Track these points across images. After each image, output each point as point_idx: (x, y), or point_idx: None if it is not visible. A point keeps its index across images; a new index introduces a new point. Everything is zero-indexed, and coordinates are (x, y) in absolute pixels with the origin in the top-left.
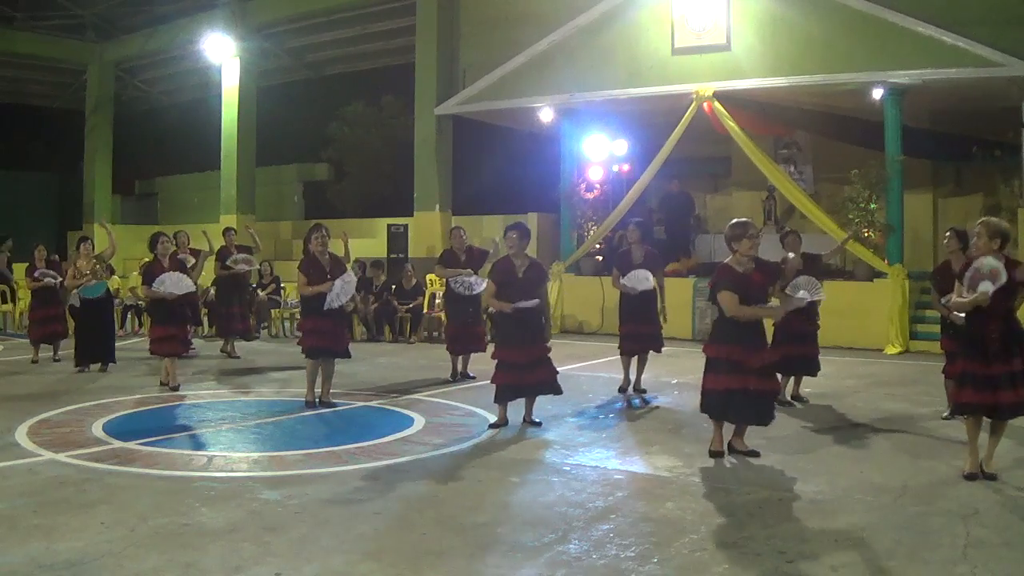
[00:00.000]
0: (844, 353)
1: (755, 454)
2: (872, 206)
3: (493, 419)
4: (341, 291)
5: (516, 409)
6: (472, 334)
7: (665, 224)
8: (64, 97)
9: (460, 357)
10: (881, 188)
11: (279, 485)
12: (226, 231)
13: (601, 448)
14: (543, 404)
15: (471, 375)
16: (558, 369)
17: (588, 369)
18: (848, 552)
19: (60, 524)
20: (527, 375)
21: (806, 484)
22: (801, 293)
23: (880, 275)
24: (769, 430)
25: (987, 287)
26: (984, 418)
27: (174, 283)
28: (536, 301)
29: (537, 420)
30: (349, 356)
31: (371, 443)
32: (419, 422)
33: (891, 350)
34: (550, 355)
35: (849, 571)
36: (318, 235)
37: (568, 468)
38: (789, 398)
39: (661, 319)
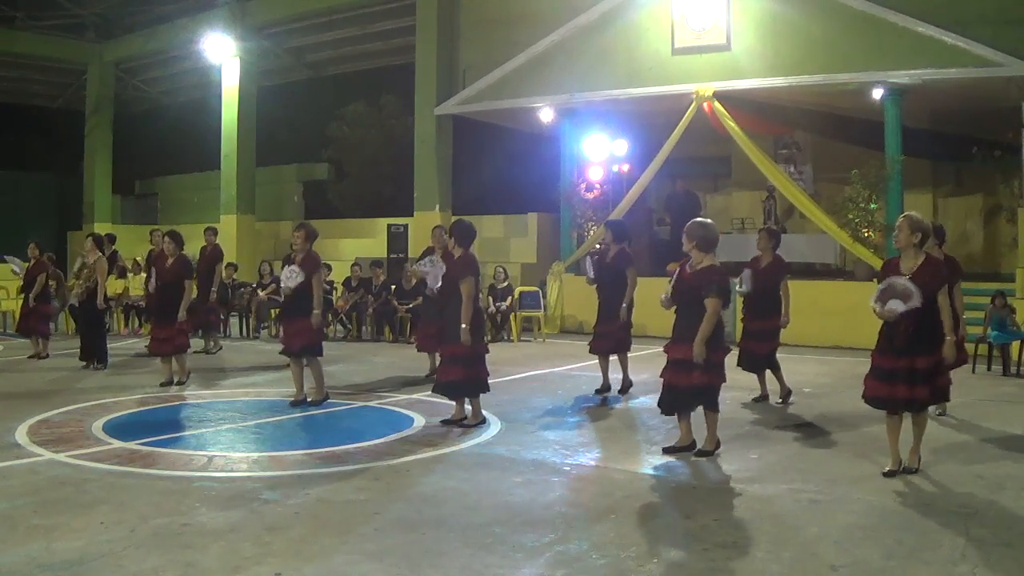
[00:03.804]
0: (843, 353)
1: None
2: (872, 206)
3: (493, 419)
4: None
5: (515, 408)
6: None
7: (671, 224)
8: (64, 97)
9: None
10: (881, 188)
11: (279, 485)
12: (206, 230)
13: (601, 448)
14: (543, 404)
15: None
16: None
17: (588, 369)
18: (848, 552)
19: (60, 524)
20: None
21: (806, 484)
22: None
23: None
24: (769, 430)
25: (896, 306)
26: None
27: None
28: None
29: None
30: (295, 354)
31: (371, 443)
32: (419, 422)
33: None
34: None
35: (849, 571)
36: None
37: (568, 468)
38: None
39: (621, 317)
